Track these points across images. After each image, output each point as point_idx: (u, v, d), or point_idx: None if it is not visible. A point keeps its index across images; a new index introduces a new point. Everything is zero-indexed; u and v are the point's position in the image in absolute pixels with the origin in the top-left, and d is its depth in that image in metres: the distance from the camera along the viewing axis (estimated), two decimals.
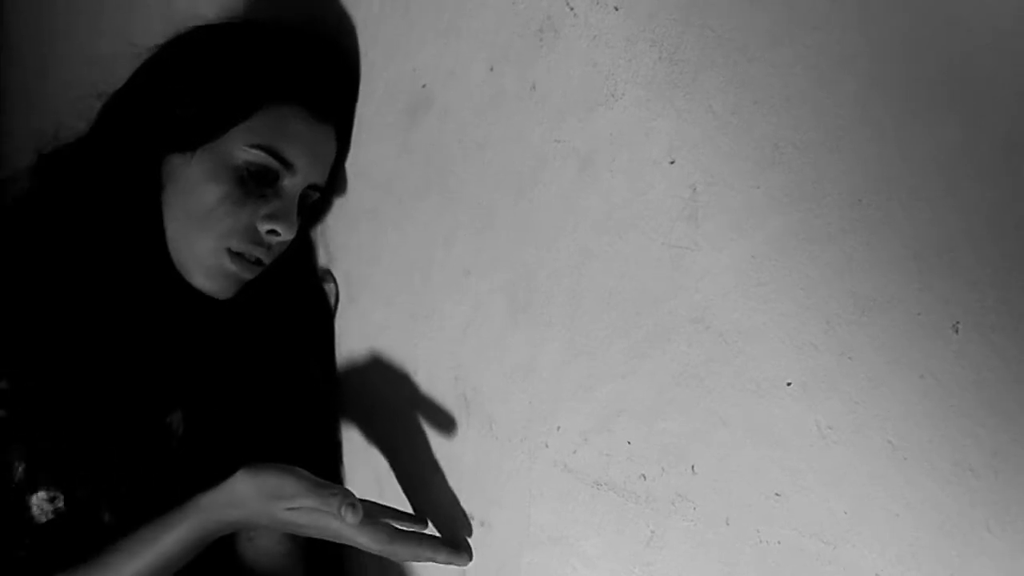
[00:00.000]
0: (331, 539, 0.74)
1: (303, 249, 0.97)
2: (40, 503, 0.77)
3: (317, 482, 0.73)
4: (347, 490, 0.72)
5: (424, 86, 0.78)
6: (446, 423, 0.79)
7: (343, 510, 0.69)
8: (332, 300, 0.95)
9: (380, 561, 0.89)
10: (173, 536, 0.74)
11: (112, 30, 1.37)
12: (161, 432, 0.84)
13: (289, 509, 0.73)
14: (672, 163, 0.56)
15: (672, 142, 0.56)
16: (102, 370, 0.79)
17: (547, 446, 0.67)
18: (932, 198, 0.43)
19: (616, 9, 0.59)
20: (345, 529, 0.72)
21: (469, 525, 0.77)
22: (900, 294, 0.44)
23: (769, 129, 0.50)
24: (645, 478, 0.59)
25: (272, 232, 0.82)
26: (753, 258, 0.51)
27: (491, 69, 0.70)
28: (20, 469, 0.76)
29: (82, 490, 0.78)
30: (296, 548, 0.91)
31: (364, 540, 0.72)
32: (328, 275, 0.95)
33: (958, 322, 0.42)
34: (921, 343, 0.44)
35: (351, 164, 0.91)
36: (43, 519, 0.77)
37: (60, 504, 0.77)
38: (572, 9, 0.62)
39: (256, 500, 0.73)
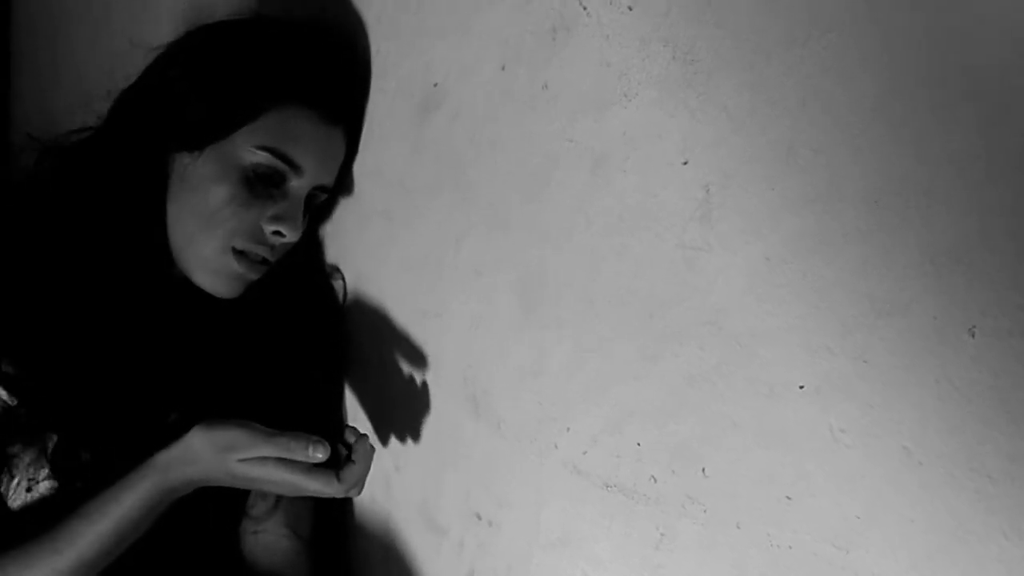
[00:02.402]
0: (282, 491, 0.76)
1: (311, 247, 0.96)
2: (44, 492, 0.77)
3: (272, 431, 0.74)
4: (302, 432, 0.74)
5: (436, 85, 0.78)
6: (455, 423, 0.78)
7: (311, 449, 0.72)
8: (340, 297, 0.95)
9: (384, 554, 0.90)
10: (132, 497, 0.75)
11: (123, 28, 1.37)
12: (164, 430, 0.85)
13: (242, 461, 0.74)
14: (685, 164, 0.55)
15: (686, 142, 0.55)
16: (103, 368, 0.79)
17: (557, 447, 0.67)
18: (949, 201, 0.43)
19: (630, 8, 0.59)
20: (298, 479, 0.73)
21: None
22: (916, 297, 0.44)
23: (784, 130, 0.50)
24: (655, 480, 0.59)
25: (277, 233, 0.82)
26: (767, 260, 0.51)
27: (503, 68, 0.70)
28: (26, 459, 0.77)
29: (83, 484, 0.78)
30: (302, 543, 0.91)
31: (316, 486, 0.74)
32: (336, 272, 0.95)
33: (975, 326, 0.42)
34: (937, 347, 0.43)
35: (362, 162, 0.90)
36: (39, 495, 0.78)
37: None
38: (585, 8, 0.62)
39: (210, 454, 0.74)
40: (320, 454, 0.73)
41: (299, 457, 0.73)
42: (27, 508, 0.78)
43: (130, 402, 0.81)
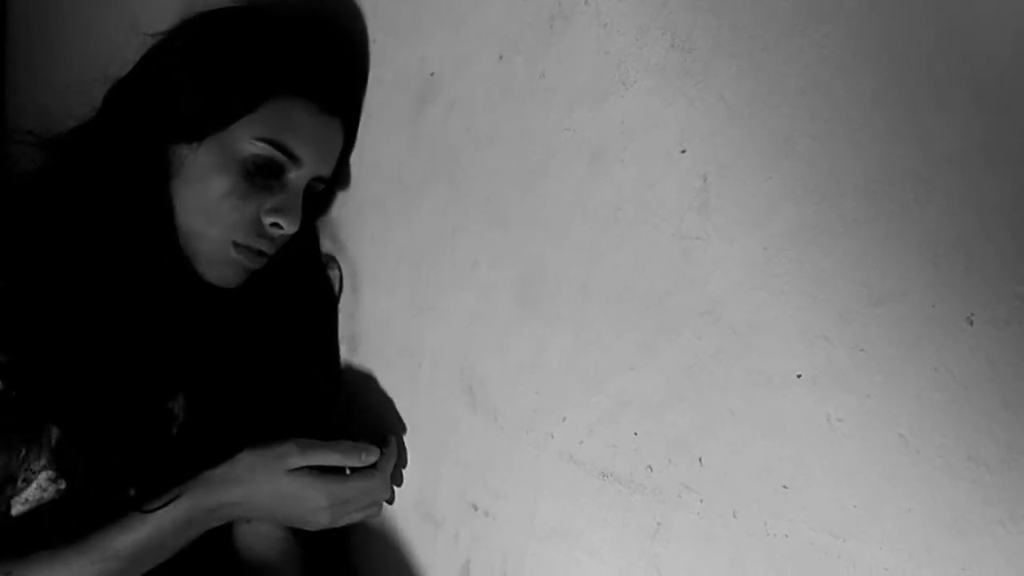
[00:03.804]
0: (323, 514, 0.80)
1: (308, 238, 0.96)
2: (43, 483, 0.77)
3: (321, 442, 0.80)
4: (347, 440, 0.81)
5: (433, 74, 0.78)
6: (452, 416, 0.78)
7: (364, 454, 0.80)
8: (336, 288, 0.95)
9: (382, 547, 0.90)
10: (171, 512, 0.76)
11: (118, 17, 1.36)
12: (162, 417, 0.84)
13: (290, 472, 0.77)
14: (683, 153, 0.55)
15: (683, 132, 0.55)
16: (105, 353, 0.79)
17: (553, 437, 0.66)
18: (948, 190, 0.43)
19: None
20: (349, 486, 0.79)
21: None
22: (914, 287, 0.44)
23: (782, 120, 0.49)
24: (652, 470, 0.59)
25: (276, 225, 0.82)
26: (765, 250, 0.51)
27: (500, 58, 0.70)
28: (23, 450, 0.76)
29: (82, 472, 0.78)
30: (294, 533, 0.91)
31: (368, 486, 0.81)
32: (332, 262, 0.95)
33: (972, 315, 0.42)
34: (935, 336, 0.43)
35: (359, 153, 0.90)
36: (46, 499, 0.77)
37: (62, 485, 0.77)
38: None
39: (260, 467, 0.78)
40: (373, 456, 0.80)
41: (353, 462, 0.79)
42: (36, 509, 0.78)
43: (130, 388, 0.81)
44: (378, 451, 0.79)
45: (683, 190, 0.55)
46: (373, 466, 0.82)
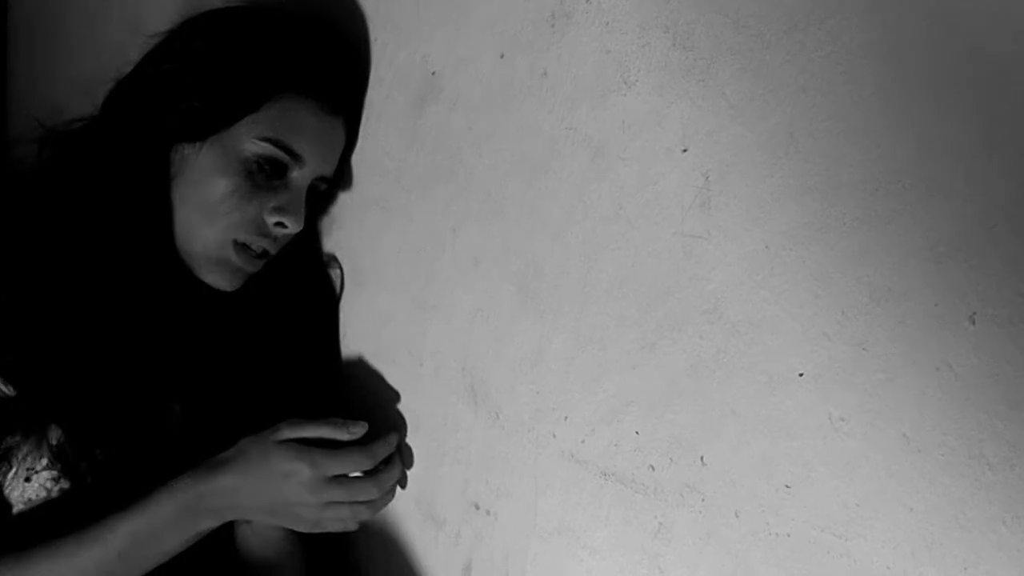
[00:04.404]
0: (311, 487, 0.78)
1: (309, 238, 0.96)
2: (44, 483, 0.77)
3: (311, 420, 0.80)
4: (336, 418, 0.81)
5: (434, 73, 0.78)
6: (453, 414, 0.78)
7: (350, 427, 0.80)
8: (337, 287, 0.95)
9: (383, 546, 0.90)
10: (166, 494, 0.76)
11: (121, 15, 1.36)
12: (164, 416, 0.84)
13: (280, 443, 0.78)
14: (685, 151, 0.55)
15: (685, 130, 0.55)
16: (104, 357, 0.79)
17: (555, 436, 0.66)
18: (950, 189, 0.43)
19: None
20: (333, 457, 0.78)
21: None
22: (916, 285, 0.44)
23: (784, 118, 0.49)
24: (653, 469, 0.59)
25: (280, 225, 0.82)
26: (767, 248, 0.51)
27: (502, 56, 0.70)
28: (24, 449, 0.76)
29: (85, 471, 0.78)
30: (295, 533, 0.91)
31: (351, 456, 0.80)
32: (333, 261, 0.95)
33: (975, 313, 0.42)
34: (937, 334, 0.43)
35: (360, 152, 0.90)
36: (50, 498, 0.77)
37: (66, 485, 0.78)
38: None
39: (252, 443, 0.78)
40: (360, 430, 0.80)
41: (341, 435, 0.79)
42: (39, 508, 0.78)
43: (130, 392, 0.81)
44: (366, 425, 0.80)
45: (685, 188, 0.55)
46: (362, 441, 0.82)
